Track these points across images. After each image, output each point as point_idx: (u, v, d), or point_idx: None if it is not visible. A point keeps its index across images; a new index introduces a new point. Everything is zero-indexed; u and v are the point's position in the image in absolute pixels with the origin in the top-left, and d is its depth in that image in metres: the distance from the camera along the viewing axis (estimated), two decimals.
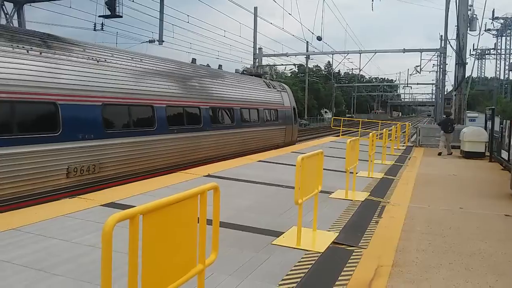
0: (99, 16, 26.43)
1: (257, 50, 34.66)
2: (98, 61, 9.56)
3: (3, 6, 27.61)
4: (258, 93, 18.14)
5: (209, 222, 3.06)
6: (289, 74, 79.12)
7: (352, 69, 64.27)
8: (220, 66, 17.67)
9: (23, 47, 7.89)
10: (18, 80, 7.43)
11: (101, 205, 6.24)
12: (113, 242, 2.15)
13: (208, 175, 9.12)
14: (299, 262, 4.39)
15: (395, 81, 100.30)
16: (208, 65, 16.47)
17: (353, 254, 4.73)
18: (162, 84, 11.48)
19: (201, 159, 12.63)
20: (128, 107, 10.02)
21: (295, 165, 4.71)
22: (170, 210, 2.61)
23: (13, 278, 3.71)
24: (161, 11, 26.84)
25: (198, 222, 2.92)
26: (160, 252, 2.52)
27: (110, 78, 9.64)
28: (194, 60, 15.44)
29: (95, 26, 28.36)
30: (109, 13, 25.66)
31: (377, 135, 12.71)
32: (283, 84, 23.32)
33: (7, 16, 27.74)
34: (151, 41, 30.81)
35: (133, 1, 25.11)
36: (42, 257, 4.21)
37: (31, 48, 8.05)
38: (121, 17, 25.89)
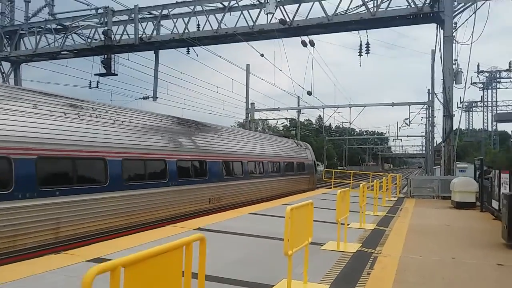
0: (95, 75, 27.00)
1: (250, 105, 35.37)
2: (219, 135, 16.10)
3: (1, 66, 28.20)
4: (292, 150, 24.61)
5: (194, 276, 3.01)
6: (281, 128, 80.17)
7: (343, 122, 65.39)
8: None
9: (192, 130, 14.30)
10: (192, 148, 13.57)
11: (86, 261, 6.09)
12: None
13: (199, 228, 8.99)
14: None
15: (385, 133, 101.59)
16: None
17: None
18: (248, 148, 18.22)
19: (264, 197, 18.01)
20: (231, 162, 16.05)
21: (284, 217, 4.69)
22: (153, 262, 2.58)
23: None
24: (156, 69, 27.58)
25: (183, 275, 2.87)
26: None
27: (225, 145, 16.06)
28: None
29: (90, 84, 28.89)
30: (105, 71, 26.31)
31: (368, 187, 12.75)
32: (306, 143, 30.31)
33: (4, 75, 28.30)
34: (145, 98, 31.34)
35: (128, 59, 25.84)
36: None
37: (195, 130, 14.53)
38: (117, 75, 26.53)
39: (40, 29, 26.37)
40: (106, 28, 24.97)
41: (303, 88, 39.62)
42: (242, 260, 6.54)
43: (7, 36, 27.36)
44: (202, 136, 14.67)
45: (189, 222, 9.93)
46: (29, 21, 26.55)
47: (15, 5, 27.66)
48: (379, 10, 22.46)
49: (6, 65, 28.01)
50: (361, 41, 26.48)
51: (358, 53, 26.67)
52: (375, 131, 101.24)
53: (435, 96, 28.79)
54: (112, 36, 25.02)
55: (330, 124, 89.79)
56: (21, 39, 27.46)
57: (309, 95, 34.02)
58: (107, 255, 6.46)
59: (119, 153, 10.05)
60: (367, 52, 26.69)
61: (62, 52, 26.89)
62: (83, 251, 6.71)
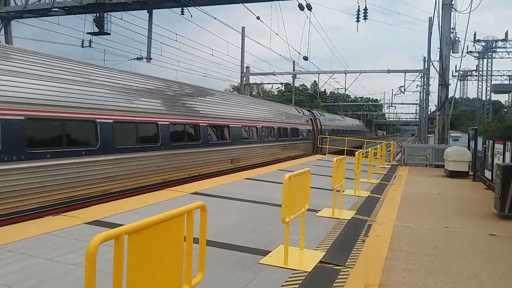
0: (87, 33, 26.33)
1: (245, 69, 34.89)
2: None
3: None
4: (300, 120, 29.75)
5: (196, 240, 3.02)
6: (276, 93, 79.62)
7: (338, 88, 64.78)
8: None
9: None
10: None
11: (85, 223, 6.13)
12: (97, 261, 2.10)
13: (195, 193, 9.05)
14: (286, 282, 4.35)
15: (379, 100, 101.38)
16: None
17: (340, 273, 4.71)
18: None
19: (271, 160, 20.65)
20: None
21: (281, 183, 4.70)
22: (156, 230, 2.58)
23: None
24: (150, 29, 26.91)
25: (185, 241, 2.88)
26: (146, 273, 2.47)
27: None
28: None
29: (82, 43, 28.21)
30: (97, 30, 25.65)
31: (362, 154, 12.79)
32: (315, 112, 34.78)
33: None
34: (139, 58, 30.73)
35: (121, 18, 25.12)
36: (23, 277, 4.10)
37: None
38: (109, 34, 25.89)
39: None
40: None
41: (299, 53, 39.00)
42: (240, 225, 6.61)
43: None
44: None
45: (186, 186, 9.98)
46: None
47: None
48: None
49: None
50: (359, 5, 26.12)
51: (356, 19, 26.27)
52: (370, 98, 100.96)
53: (431, 64, 28.48)
54: None
55: (325, 90, 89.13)
56: None
57: (305, 60, 33.58)
58: (105, 217, 6.49)
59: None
60: (365, 18, 26.31)
61: (52, 9, 26.10)
62: (81, 213, 6.73)
